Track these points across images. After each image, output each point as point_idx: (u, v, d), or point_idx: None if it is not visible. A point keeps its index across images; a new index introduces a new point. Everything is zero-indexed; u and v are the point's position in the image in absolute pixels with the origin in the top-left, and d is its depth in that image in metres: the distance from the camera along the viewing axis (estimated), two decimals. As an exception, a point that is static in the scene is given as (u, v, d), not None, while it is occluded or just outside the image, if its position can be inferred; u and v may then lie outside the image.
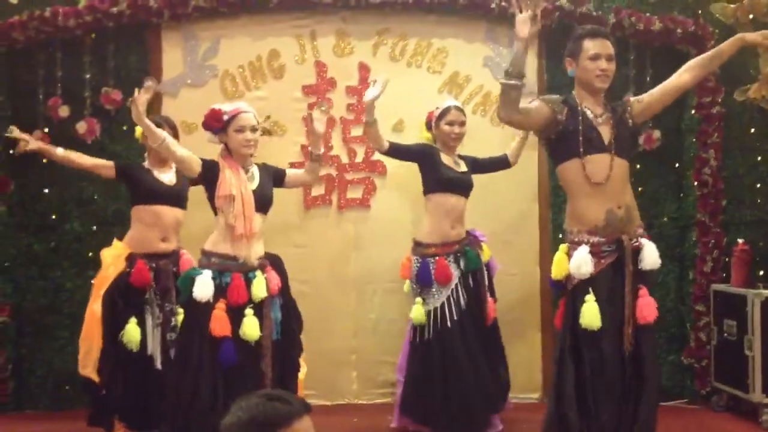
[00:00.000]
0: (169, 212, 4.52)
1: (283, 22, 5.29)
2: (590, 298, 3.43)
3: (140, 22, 5.15)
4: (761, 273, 5.09)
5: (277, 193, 5.15)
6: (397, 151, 4.70)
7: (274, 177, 4.12)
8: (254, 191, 3.88)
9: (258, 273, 3.84)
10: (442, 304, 4.53)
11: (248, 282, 3.81)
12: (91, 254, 5.04)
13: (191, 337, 3.77)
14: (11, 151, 4.56)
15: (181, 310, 4.33)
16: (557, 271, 3.61)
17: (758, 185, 5.28)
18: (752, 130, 5.28)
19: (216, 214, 3.88)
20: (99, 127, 5.11)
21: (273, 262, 4.00)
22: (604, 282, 3.47)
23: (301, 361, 4.10)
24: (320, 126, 4.19)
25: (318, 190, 5.29)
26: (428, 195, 4.70)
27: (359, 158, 5.33)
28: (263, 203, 3.93)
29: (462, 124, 4.74)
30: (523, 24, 3.19)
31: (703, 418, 4.92)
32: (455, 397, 4.43)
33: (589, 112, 3.50)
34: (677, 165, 5.41)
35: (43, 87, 5.13)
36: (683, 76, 3.64)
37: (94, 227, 5.17)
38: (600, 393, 3.41)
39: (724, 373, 5.02)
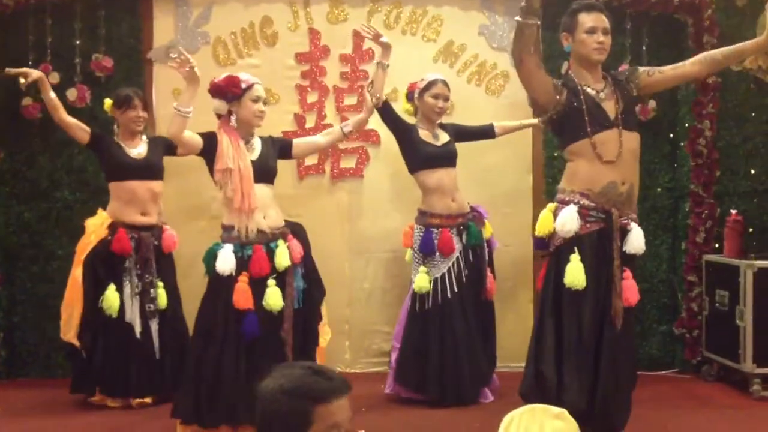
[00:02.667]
0: (142, 186, 4.52)
1: (276, -12, 5.23)
2: (575, 258, 3.40)
3: (131, -12, 5.09)
4: (754, 244, 5.09)
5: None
6: (388, 111, 4.64)
7: (280, 148, 4.09)
8: (254, 162, 3.86)
9: (280, 242, 3.86)
10: (443, 276, 4.54)
11: (270, 252, 3.83)
12: (82, 222, 5.01)
13: (215, 309, 3.80)
14: (22, 80, 4.47)
15: (161, 284, 4.46)
16: (541, 228, 3.55)
17: (753, 156, 5.26)
18: (748, 101, 5.25)
19: (218, 187, 3.86)
20: (89, 94, 5.05)
21: (295, 230, 4.01)
22: (589, 247, 3.43)
23: (326, 327, 4.13)
24: (369, 112, 4.35)
25: (311, 160, 5.26)
26: (414, 174, 4.72)
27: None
28: (265, 173, 3.91)
29: (446, 99, 4.74)
30: None
31: (694, 388, 4.95)
32: (449, 368, 4.47)
33: (590, 90, 3.46)
34: (672, 135, 5.39)
35: (33, 53, 5.06)
36: (698, 66, 3.58)
37: (85, 195, 5.14)
38: (573, 361, 3.40)
39: (715, 343, 5.05)
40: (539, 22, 3.22)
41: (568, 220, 3.42)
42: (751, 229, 5.14)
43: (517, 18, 3.22)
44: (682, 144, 5.28)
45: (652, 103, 5.24)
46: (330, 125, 5.23)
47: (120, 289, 4.42)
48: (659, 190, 5.40)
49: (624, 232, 3.50)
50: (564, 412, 3.20)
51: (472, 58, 5.33)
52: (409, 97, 4.84)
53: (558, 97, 3.41)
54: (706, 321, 5.13)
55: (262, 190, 3.85)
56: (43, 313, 5.15)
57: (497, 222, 5.01)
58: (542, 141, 5.32)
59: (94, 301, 4.40)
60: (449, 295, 4.52)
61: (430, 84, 4.71)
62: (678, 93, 5.32)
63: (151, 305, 4.45)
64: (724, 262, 4.95)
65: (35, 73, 4.48)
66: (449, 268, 4.56)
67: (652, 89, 3.68)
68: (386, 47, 4.44)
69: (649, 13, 5.25)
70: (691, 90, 5.19)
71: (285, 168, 5.15)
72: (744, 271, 4.70)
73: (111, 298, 4.37)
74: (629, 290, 3.48)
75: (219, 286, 3.78)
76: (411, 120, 4.81)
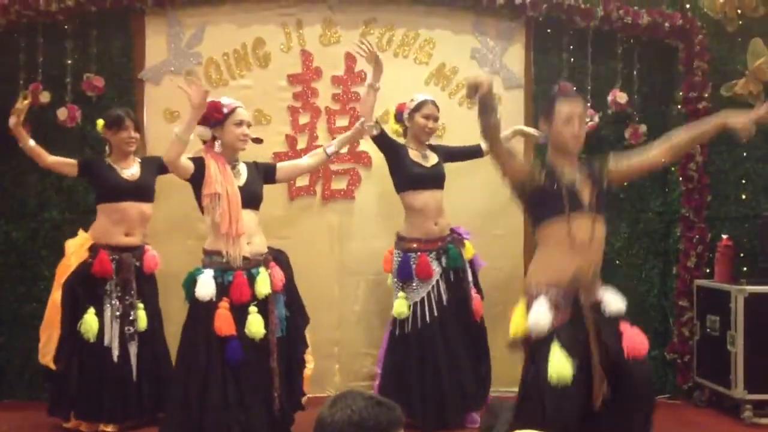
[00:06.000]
0: (133, 207, 4.51)
1: (268, 9, 5.23)
2: (555, 347, 3.26)
3: (124, 8, 5.08)
4: (745, 269, 5.09)
5: (261, 183, 5.16)
6: (384, 139, 4.67)
7: (264, 173, 4.08)
8: (241, 188, 3.84)
9: (262, 269, 3.82)
10: (422, 300, 4.54)
11: (251, 279, 3.80)
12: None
13: (196, 336, 3.76)
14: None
15: (141, 305, 4.41)
16: (516, 328, 3.45)
17: (743, 181, 5.27)
18: (738, 126, 5.26)
19: (203, 212, 3.83)
20: (80, 114, 5.03)
21: (277, 257, 3.98)
22: (565, 334, 3.32)
23: (309, 356, 4.10)
24: (355, 134, 4.36)
25: (302, 181, 5.24)
26: (400, 194, 4.72)
27: (344, 149, 5.27)
28: (251, 199, 3.89)
29: (436, 119, 4.77)
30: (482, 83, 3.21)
31: (685, 414, 4.92)
32: (431, 393, 4.44)
33: (566, 174, 3.49)
34: (663, 160, 5.39)
35: (23, 72, 5.05)
36: (663, 155, 3.63)
37: (74, 216, 5.10)
38: None
39: (706, 369, 5.03)
40: (499, 116, 3.32)
41: (541, 317, 3.33)
42: (741, 254, 5.15)
43: (479, 116, 3.30)
44: (673, 168, 5.29)
45: (642, 128, 5.26)
46: (321, 147, 5.23)
47: (100, 313, 4.36)
48: (650, 214, 5.41)
49: (597, 306, 3.44)
50: None
51: (464, 81, 5.29)
52: (398, 117, 4.85)
53: (537, 177, 3.44)
54: (697, 346, 5.11)
55: (248, 215, 3.83)
56: (30, 334, 5.06)
57: (487, 243, 5.00)
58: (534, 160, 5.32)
59: (73, 324, 4.35)
60: (428, 319, 4.52)
61: (420, 104, 4.72)
62: (669, 117, 5.33)
63: (131, 327, 4.39)
64: (715, 287, 4.94)
65: (11, 121, 4.48)
66: (428, 292, 4.56)
67: (622, 179, 3.70)
68: (378, 68, 4.45)
69: (640, 38, 5.28)
70: (682, 115, 5.21)
71: (276, 189, 5.14)
72: (735, 296, 4.69)
73: (89, 321, 4.31)
74: (630, 340, 3.32)
75: (199, 313, 3.75)
76: (400, 140, 4.82)
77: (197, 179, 3.80)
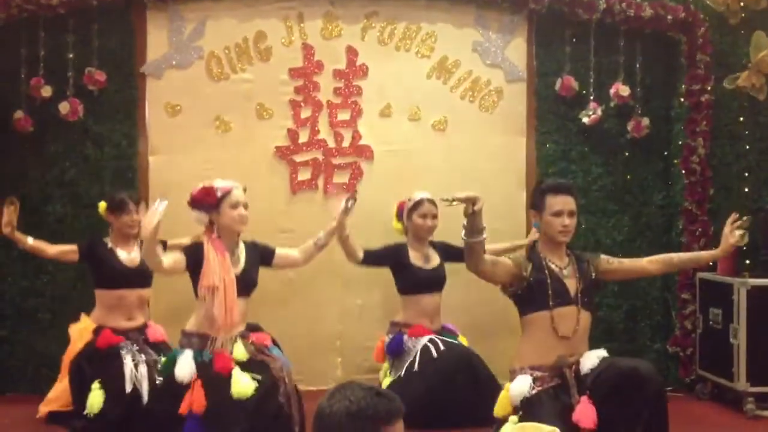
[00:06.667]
0: (131, 294, 4.49)
1: (270, 3, 5.22)
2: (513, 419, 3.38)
3: (125, 2, 5.09)
4: (747, 262, 5.08)
5: (264, 177, 5.18)
6: (371, 257, 4.70)
7: (262, 256, 4.02)
8: (238, 276, 3.78)
9: (237, 340, 3.78)
10: (423, 347, 4.51)
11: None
12: (72, 236, 4.99)
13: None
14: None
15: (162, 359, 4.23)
16: (501, 410, 3.55)
17: (746, 174, 5.26)
18: (741, 119, 5.25)
19: (197, 296, 3.76)
20: (82, 108, 5.03)
21: (254, 329, 3.94)
22: (548, 401, 3.41)
23: None
24: (346, 218, 4.22)
25: (304, 175, 5.24)
26: (402, 296, 4.78)
27: (346, 143, 5.28)
28: (247, 287, 3.85)
29: (434, 216, 4.77)
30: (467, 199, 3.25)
31: (688, 406, 4.92)
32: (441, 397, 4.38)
33: (554, 266, 3.55)
34: (665, 153, 5.40)
35: (25, 67, 5.04)
36: (654, 266, 3.74)
37: (77, 209, 5.11)
38: None
39: (708, 362, 5.02)
40: (485, 236, 3.33)
41: (518, 386, 3.45)
42: (744, 247, 5.12)
43: (464, 238, 3.31)
44: (675, 161, 5.28)
45: (645, 121, 5.26)
46: (323, 140, 5.24)
47: (111, 378, 4.23)
48: (653, 207, 5.41)
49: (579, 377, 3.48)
50: (556, 430, 3.17)
51: (465, 75, 5.33)
52: (399, 216, 4.90)
53: (524, 273, 3.50)
54: (699, 339, 5.11)
55: (241, 304, 3.78)
56: (33, 328, 5.11)
57: (489, 238, 4.96)
58: (536, 157, 5.32)
59: (82, 401, 4.26)
60: (434, 354, 4.46)
61: (417, 204, 4.76)
62: (671, 110, 5.33)
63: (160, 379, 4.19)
64: (717, 280, 4.94)
65: (5, 231, 4.44)
66: (424, 344, 4.52)
67: (609, 276, 3.74)
68: (341, 223, 4.36)
69: (643, 30, 5.27)
70: (685, 107, 5.20)
71: (278, 183, 5.19)
72: (737, 289, 4.69)
73: (95, 398, 4.21)
74: (580, 413, 3.34)
75: (179, 392, 3.67)
76: (402, 239, 4.85)
77: (193, 267, 3.75)
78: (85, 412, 4.24)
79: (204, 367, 3.67)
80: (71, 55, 5.07)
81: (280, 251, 4.13)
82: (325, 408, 1.86)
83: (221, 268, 3.70)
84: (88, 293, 4.96)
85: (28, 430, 4.39)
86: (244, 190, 3.89)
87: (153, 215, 3.45)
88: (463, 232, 3.29)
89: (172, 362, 3.74)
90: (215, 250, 3.73)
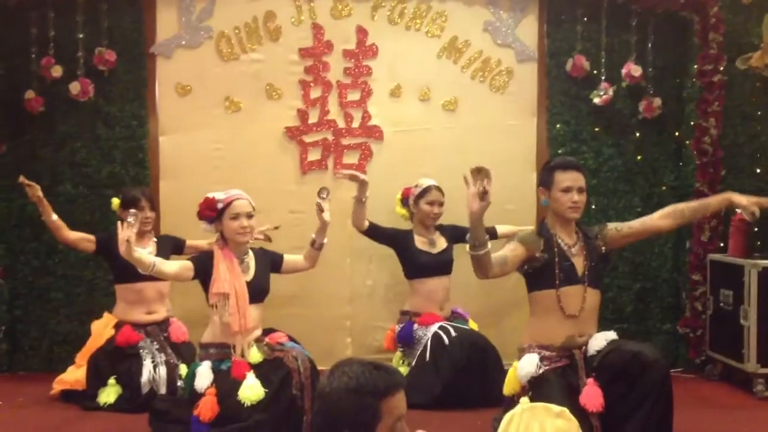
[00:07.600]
0: (151, 287, 4.52)
1: (279, -17, 5.21)
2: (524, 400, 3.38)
3: (134, -18, 5.08)
4: (758, 243, 5.05)
5: (273, 158, 5.18)
6: (374, 231, 4.74)
7: (271, 264, 4.05)
8: (249, 283, 3.81)
9: (253, 344, 3.81)
10: (434, 334, 4.50)
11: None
12: (82, 217, 5.03)
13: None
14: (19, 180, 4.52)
15: (183, 366, 4.36)
16: (510, 388, 3.58)
17: (758, 155, 5.22)
18: (753, 99, 5.21)
19: (209, 305, 3.78)
20: (92, 88, 5.03)
21: (270, 333, 3.98)
22: (555, 380, 3.43)
23: None
24: (328, 216, 4.16)
25: (314, 155, 5.24)
26: (409, 280, 4.79)
27: (356, 123, 5.26)
28: (259, 294, 3.87)
29: (441, 204, 4.78)
30: (474, 199, 3.14)
31: (697, 387, 4.92)
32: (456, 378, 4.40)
33: (562, 243, 3.54)
34: (677, 133, 5.36)
35: (35, 47, 5.05)
36: (665, 221, 3.66)
37: (87, 189, 5.14)
38: None
39: (719, 343, 5.02)
40: (489, 247, 3.27)
41: (526, 365, 3.46)
42: (756, 229, 5.11)
43: (471, 252, 3.26)
44: (687, 142, 5.25)
45: (657, 101, 5.22)
46: (333, 121, 5.24)
47: (125, 376, 4.35)
48: (664, 188, 5.38)
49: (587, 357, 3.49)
50: (565, 410, 3.18)
51: (476, 54, 5.30)
52: (404, 202, 4.89)
53: (537, 254, 3.48)
54: (710, 320, 5.10)
55: (254, 310, 3.81)
56: (45, 307, 5.15)
57: (501, 219, 4.96)
58: (547, 137, 5.30)
59: (96, 390, 4.39)
60: (446, 342, 4.45)
61: (425, 191, 4.76)
62: (683, 91, 5.29)
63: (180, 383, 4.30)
64: (728, 262, 4.92)
65: (39, 194, 4.48)
66: (435, 332, 4.51)
67: (620, 244, 3.72)
68: (363, 184, 4.46)
69: (655, 10, 5.22)
70: (697, 88, 5.16)
71: (288, 164, 5.19)
72: (749, 271, 4.67)
73: (108, 393, 4.33)
74: (587, 396, 3.36)
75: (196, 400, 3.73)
76: (407, 225, 4.85)
77: (202, 277, 3.78)
78: (97, 400, 4.34)
79: (222, 376, 3.72)
80: (81, 35, 5.07)
81: (288, 258, 4.18)
82: (326, 386, 1.87)
83: (231, 275, 3.75)
84: (100, 273, 5.01)
85: (42, 407, 4.43)
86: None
87: (123, 234, 3.45)
88: (468, 246, 3.25)
89: (192, 377, 3.78)
90: (224, 258, 3.77)
